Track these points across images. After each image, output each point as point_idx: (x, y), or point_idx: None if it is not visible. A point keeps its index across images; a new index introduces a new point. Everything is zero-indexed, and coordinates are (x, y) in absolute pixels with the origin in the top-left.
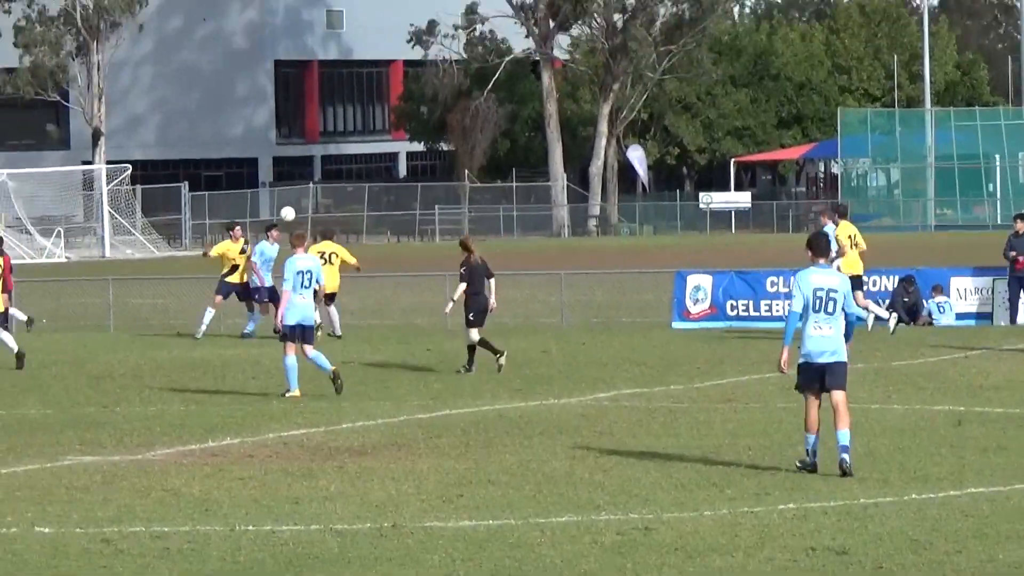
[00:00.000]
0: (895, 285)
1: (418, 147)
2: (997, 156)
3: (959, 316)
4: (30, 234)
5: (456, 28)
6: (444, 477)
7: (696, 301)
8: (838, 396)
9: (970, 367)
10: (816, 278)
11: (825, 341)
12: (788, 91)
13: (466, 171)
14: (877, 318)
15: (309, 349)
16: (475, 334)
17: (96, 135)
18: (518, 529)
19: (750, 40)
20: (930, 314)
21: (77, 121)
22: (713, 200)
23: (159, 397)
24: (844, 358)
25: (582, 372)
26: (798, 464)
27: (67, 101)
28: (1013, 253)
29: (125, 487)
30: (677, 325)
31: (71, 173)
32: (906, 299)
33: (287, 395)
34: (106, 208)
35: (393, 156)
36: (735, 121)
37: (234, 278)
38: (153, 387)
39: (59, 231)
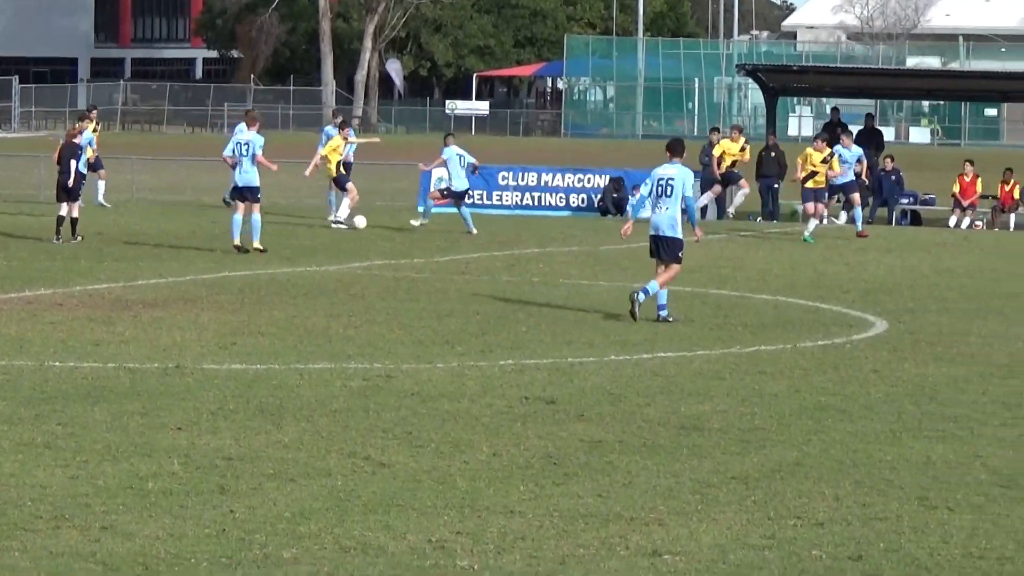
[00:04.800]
0: (606, 183)
1: (213, 54)
2: (696, 79)
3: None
4: None
5: None
6: (221, 328)
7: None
8: (671, 266)
9: None
10: (661, 169)
11: (662, 217)
12: (525, 17)
13: (251, 75)
14: None
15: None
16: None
17: None
18: (281, 373)
19: None
20: (633, 208)
21: None
22: (457, 107)
23: None
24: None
25: (341, 245)
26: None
27: None
28: (707, 159)
29: None
30: (423, 209)
31: None
32: (615, 195)
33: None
34: None
35: (192, 61)
36: (478, 41)
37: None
38: None
39: None
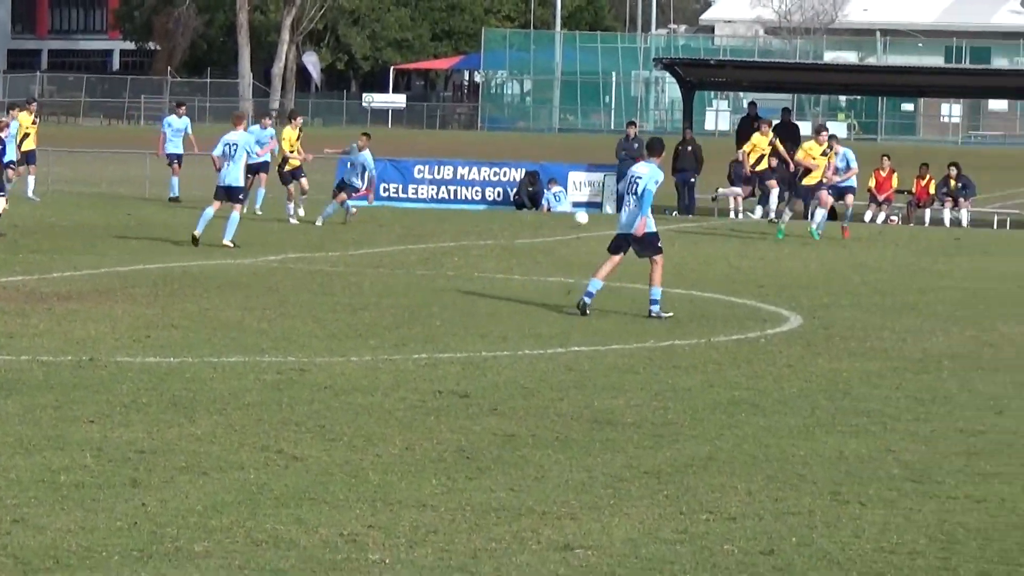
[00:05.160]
0: (522, 177)
1: (130, 46)
2: (614, 73)
3: (575, 205)
4: None
5: None
6: (135, 320)
7: None
8: (655, 260)
9: (580, 247)
10: (635, 167)
11: (628, 215)
12: (442, 10)
13: (168, 68)
14: None
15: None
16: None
17: None
18: (195, 366)
19: None
20: (548, 203)
21: None
22: (374, 100)
23: None
24: (636, 230)
25: (255, 238)
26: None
27: None
28: (624, 153)
29: None
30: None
31: None
32: (530, 189)
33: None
34: None
35: (109, 53)
36: (396, 34)
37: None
38: None
39: None
